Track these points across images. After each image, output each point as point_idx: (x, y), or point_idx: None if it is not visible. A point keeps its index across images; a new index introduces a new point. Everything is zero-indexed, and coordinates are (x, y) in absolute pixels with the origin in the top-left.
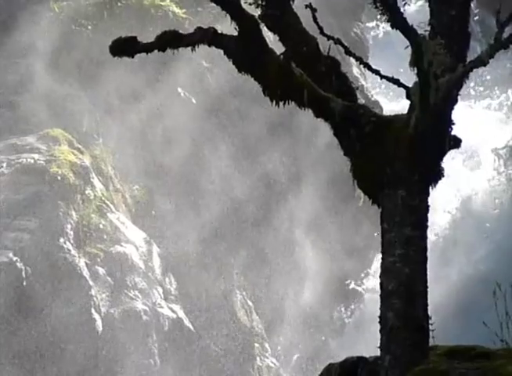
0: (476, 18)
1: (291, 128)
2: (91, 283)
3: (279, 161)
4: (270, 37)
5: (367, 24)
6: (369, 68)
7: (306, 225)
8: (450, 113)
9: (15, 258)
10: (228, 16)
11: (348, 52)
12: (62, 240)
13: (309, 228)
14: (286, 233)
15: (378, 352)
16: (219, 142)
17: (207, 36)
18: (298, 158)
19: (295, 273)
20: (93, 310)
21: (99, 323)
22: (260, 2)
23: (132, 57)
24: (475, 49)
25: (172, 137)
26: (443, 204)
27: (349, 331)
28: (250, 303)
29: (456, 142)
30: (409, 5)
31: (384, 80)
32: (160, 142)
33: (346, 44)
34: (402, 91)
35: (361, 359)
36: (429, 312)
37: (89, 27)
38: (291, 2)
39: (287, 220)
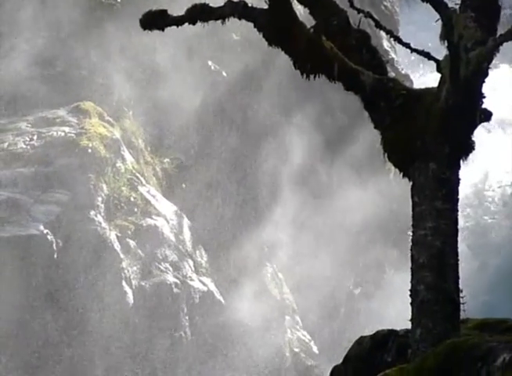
0: None
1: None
2: (122, 255)
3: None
4: (300, 11)
5: None
6: (400, 41)
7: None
8: (481, 87)
9: (45, 231)
10: None
11: (379, 26)
12: (92, 212)
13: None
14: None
15: (409, 325)
16: (250, 112)
17: (237, 9)
18: None
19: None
20: (124, 283)
21: (129, 295)
22: None
23: (163, 30)
24: (505, 23)
25: (203, 109)
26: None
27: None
28: (280, 276)
29: (487, 116)
30: None
31: (414, 53)
32: (191, 114)
33: (376, 17)
34: (433, 64)
35: (392, 332)
36: (460, 285)
37: (118, 0)
38: None
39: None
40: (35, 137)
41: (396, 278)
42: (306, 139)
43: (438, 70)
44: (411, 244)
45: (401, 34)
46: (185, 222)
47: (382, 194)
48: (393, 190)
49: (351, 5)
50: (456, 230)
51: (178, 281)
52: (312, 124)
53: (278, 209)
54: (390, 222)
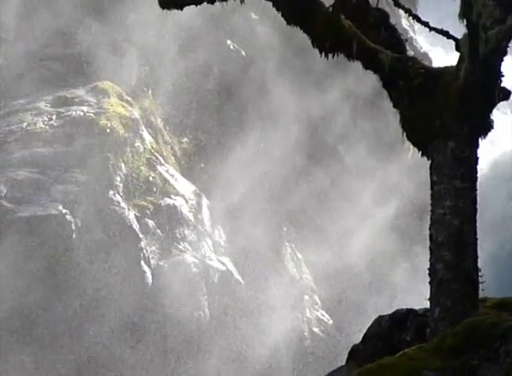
0: None
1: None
2: (140, 235)
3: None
4: None
5: None
6: (418, 20)
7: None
8: (499, 65)
9: (64, 211)
10: None
11: (397, 4)
12: (111, 192)
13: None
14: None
15: (428, 304)
16: (272, 88)
17: None
18: None
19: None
20: (143, 262)
21: (148, 275)
22: None
23: (181, 9)
24: None
25: (222, 89)
26: None
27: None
28: (299, 256)
29: (506, 94)
30: None
31: (433, 32)
32: (211, 93)
33: None
34: (452, 43)
35: (410, 311)
36: (479, 264)
37: None
38: None
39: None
40: (54, 117)
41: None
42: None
43: (457, 48)
44: (430, 223)
45: (420, 13)
46: (204, 201)
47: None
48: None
49: None
50: (475, 209)
51: (197, 261)
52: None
53: (297, 187)
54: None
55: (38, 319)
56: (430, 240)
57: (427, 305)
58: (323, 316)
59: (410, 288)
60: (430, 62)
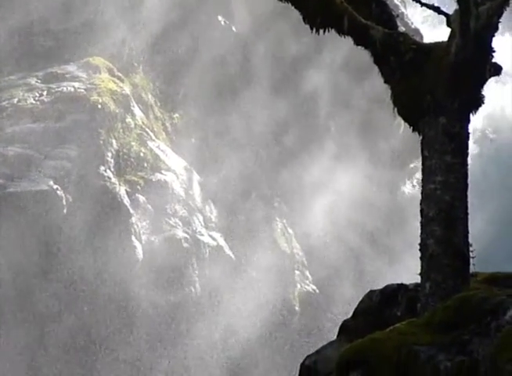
0: None
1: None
2: (131, 210)
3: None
4: None
5: None
6: None
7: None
8: (491, 41)
9: (55, 186)
10: None
11: None
12: (102, 168)
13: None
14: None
15: (418, 279)
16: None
17: None
18: None
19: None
20: (133, 237)
21: (139, 250)
22: None
23: None
24: None
25: (214, 64)
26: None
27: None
28: (290, 231)
29: (497, 70)
30: None
31: (424, 8)
32: (201, 69)
33: None
34: (443, 19)
35: (401, 286)
36: (469, 240)
37: None
38: None
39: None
40: (45, 93)
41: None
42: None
43: (448, 24)
44: (421, 198)
45: None
46: (195, 177)
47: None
48: None
49: None
50: (466, 184)
51: (188, 236)
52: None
53: (290, 165)
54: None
55: (31, 294)
56: (421, 215)
57: (418, 279)
58: (314, 290)
59: (403, 259)
60: (422, 38)
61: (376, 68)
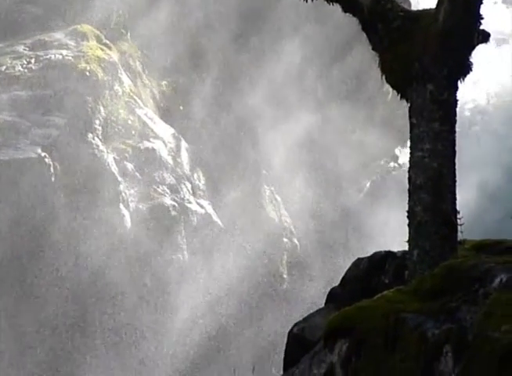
0: None
1: None
2: (119, 178)
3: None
4: None
5: None
6: None
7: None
8: (479, 7)
9: (43, 154)
10: None
11: None
12: (90, 135)
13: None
14: None
15: (406, 247)
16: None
17: None
18: None
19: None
20: (121, 205)
21: (127, 218)
22: None
23: None
24: None
25: (199, 31)
26: None
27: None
28: (278, 198)
29: (485, 37)
30: None
31: None
32: (188, 36)
33: None
34: None
35: (389, 253)
36: (457, 207)
37: None
38: None
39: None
40: (33, 60)
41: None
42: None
43: None
44: (409, 166)
45: None
46: (183, 144)
47: None
48: None
49: None
50: (454, 152)
51: (176, 204)
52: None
53: (274, 131)
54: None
55: (17, 262)
56: (409, 182)
57: (406, 247)
58: (302, 258)
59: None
60: (410, 5)
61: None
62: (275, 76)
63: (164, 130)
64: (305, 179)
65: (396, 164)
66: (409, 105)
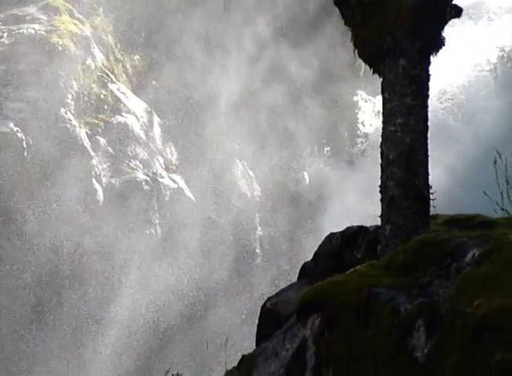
0: None
1: None
2: (92, 153)
3: None
4: None
5: None
6: None
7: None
8: None
9: (16, 129)
10: None
11: None
12: (63, 110)
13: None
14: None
15: (379, 222)
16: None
17: None
18: None
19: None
20: (94, 180)
21: (100, 192)
22: None
23: None
24: None
25: (172, 5)
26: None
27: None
28: (251, 173)
29: (457, 12)
30: None
31: None
32: (161, 10)
33: None
34: None
35: (362, 228)
36: (430, 182)
37: None
38: None
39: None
40: (5, 35)
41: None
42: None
43: None
44: (381, 140)
45: None
46: (156, 119)
47: None
48: None
49: None
50: (426, 127)
51: (149, 178)
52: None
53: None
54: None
55: None
56: (382, 157)
57: (379, 222)
58: (274, 233)
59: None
60: None
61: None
62: (248, 48)
63: (137, 105)
64: (276, 150)
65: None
66: (381, 80)
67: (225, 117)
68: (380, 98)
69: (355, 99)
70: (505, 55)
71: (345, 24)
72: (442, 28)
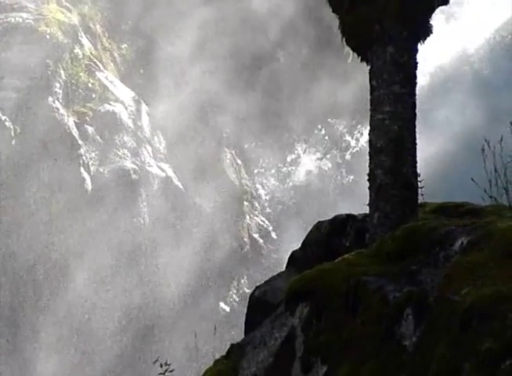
0: None
1: None
2: (80, 142)
3: None
4: None
5: None
6: None
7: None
8: None
9: (4, 117)
10: None
11: None
12: (51, 99)
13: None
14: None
15: (367, 210)
16: None
17: None
18: None
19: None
20: (82, 169)
21: (88, 182)
22: None
23: None
24: None
25: None
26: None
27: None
28: (239, 161)
29: (444, 0)
30: None
31: None
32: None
33: None
34: None
35: (350, 216)
36: (418, 170)
37: None
38: None
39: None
40: None
41: None
42: None
43: None
44: (369, 128)
45: None
46: (143, 107)
47: None
48: None
49: None
50: (414, 114)
51: (137, 167)
52: None
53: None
54: None
55: None
56: (370, 145)
57: (367, 210)
58: (263, 221)
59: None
60: None
61: None
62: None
63: (125, 93)
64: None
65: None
66: (369, 67)
67: (209, 107)
68: None
69: None
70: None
71: (333, 12)
72: (430, 16)
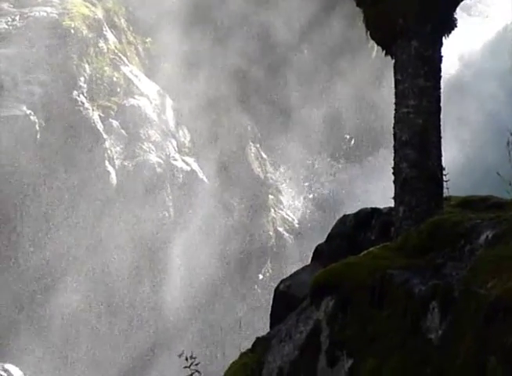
0: None
1: None
2: (105, 136)
3: None
4: None
5: None
6: None
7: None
8: None
9: (29, 112)
10: None
11: None
12: (75, 93)
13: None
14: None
15: (392, 204)
16: None
17: None
18: None
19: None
20: (107, 163)
21: (113, 175)
22: None
23: None
24: None
25: None
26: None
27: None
28: (264, 155)
29: None
30: None
31: None
32: None
33: None
34: None
35: (375, 210)
36: (443, 164)
37: None
38: None
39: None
40: (17, 17)
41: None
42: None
43: None
44: (394, 122)
45: None
46: (168, 101)
47: None
48: None
49: None
50: (439, 108)
51: (162, 161)
52: None
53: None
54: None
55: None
56: (394, 139)
57: (392, 203)
58: (288, 215)
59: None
60: None
61: None
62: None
63: (149, 87)
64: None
65: None
66: (393, 61)
67: (235, 100)
68: None
69: None
70: None
71: (357, 5)
72: (454, 10)
